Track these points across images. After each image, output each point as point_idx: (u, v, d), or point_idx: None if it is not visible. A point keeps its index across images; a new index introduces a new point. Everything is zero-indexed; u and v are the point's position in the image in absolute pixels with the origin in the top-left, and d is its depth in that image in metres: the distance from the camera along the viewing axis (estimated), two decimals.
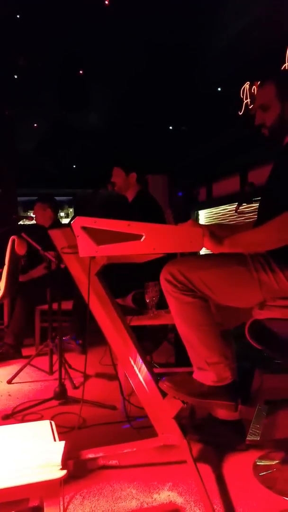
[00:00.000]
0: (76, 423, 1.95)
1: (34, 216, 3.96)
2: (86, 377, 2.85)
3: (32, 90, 5.90)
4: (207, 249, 1.45)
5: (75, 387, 2.65)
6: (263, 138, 1.67)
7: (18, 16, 4.88)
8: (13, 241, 3.28)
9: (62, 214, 8.08)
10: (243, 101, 5.15)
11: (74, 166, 7.96)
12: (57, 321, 2.64)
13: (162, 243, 1.36)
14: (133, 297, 2.50)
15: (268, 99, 1.61)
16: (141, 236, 1.35)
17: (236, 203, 1.97)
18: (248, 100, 5.07)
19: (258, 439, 1.70)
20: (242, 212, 2.10)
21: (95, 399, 2.37)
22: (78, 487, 1.58)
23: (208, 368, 1.52)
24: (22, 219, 4.68)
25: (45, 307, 3.20)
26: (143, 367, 1.56)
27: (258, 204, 1.74)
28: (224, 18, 4.63)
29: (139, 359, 1.57)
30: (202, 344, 1.51)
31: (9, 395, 2.63)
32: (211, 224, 1.64)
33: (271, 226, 1.43)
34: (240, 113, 5.20)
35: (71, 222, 1.37)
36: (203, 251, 1.86)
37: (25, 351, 3.48)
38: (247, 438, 1.72)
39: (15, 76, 5.79)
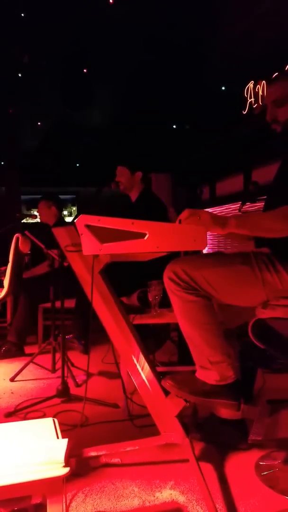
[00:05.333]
0: (78, 421, 1.96)
1: (38, 214, 3.96)
2: (89, 375, 2.85)
3: (36, 88, 5.90)
4: (213, 232, 1.43)
5: (78, 385, 2.65)
6: (270, 136, 1.66)
7: (22, 14, 4.88)
8: (17, 239, 3.29)
9: (65, 212, 8.09)
10: (247, 100, 5.14)
11: (78, 165, 7.97)
12: (60, 319, 2.64)
13: (166, 242, 1.36)
14: (138, 296, 2.51)
15: (282, 95, 1.59)
16: (145, 234, 1.35)
17: (240, 202, 1.97)
18: (253, 99, 5.06)
19: (261, 438, 1.70)
20: (246, 212, 2.09)
21: (98, 397, 2.37)
22: (81, 485, 1.58)
23: (211, 367, 1.52)
24: (26, 217, 4.69)
25: (48, 305, 3.21)
26: (146, 366, 1.56)
27: (261, 204, 1.73)
28: (229, 16, 4.62)
29: (142, 358, 1.57)
30: (205, 343, 1.51)
31: (12, 392, 2.64)
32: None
33: (279, 214, 1.42)
34: (244, 112, 5.19)
35: (75, 220, 1.37)
36: (205, 250, 1.85)
37: (27, 349, 3.49)
38: (250, 438, 1.71)
39: (19, 74, 5.79)
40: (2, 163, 7.27)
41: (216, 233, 1.47)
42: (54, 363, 3.02)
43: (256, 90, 5.04)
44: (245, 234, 1.51)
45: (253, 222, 1.47)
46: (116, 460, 1.73)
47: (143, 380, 1.56)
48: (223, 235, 1.68)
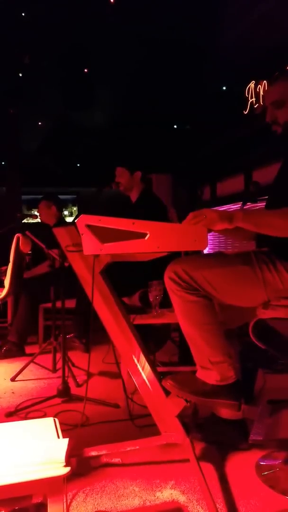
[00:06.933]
0: (79, 421, 1.96)
1: (38, 214, 3.97)
2: (89, 375, 2.86)
3: (36, 88, 5.90)
4: (221, 228, 1.41)
5: (78, 385, 2.65)
6: (271, 136, 1.66)
7: (23, 14, 4.88)
8: (18, 239, 3.29)
9: (66, 212, 8.09)
10: (248, 100, 5.13)
11: (78, 165, 7.96)
12: (60, 319, 2.64)
13: (167, 242, 1.36)
14: (140, 296, 2.51)
15: (282, 96, 1.59)
16: (146, 234, 1.35)
17: (241, 203, 1.97)
18: (253, 99, 5.06)
19: (261, 438, 1.70)
20: None
21: (98, 397, 2.38)
22: (81, 484, 1.58)
23: (212, 367, 1.52)
24: (26, 217, 4.69)
25: (49, 305, 3.21)
26: (147, 366, 1.57)
27: (262, 204, 1.73)
28: (230, 16, 4.61)
29: (142, 358, 1.57)
30: (206, 343, 1.51)
31: (13, 392, 2.64)
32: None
33: (286, 212, 1.41)
34: (245, 112, 5.19)
35: (76, 220, 1.37)
36: (206, 250, 1.85)
37: (28, 349, 3.49)
38: (250, 438, 1.72)
39: (20, 75, 5.80)
40: (3, 163, 7.27)
41: (222, 230, 1.45)
42: (54, 363, 3.02)
43: (257, 90, 5.04)
44: (250, 230, 1.49)
45: (260, 217, 1.46)
46: (116, 460, 1.73)
47: (144, 380, 1.56)
48: (225, 234, 1.69)
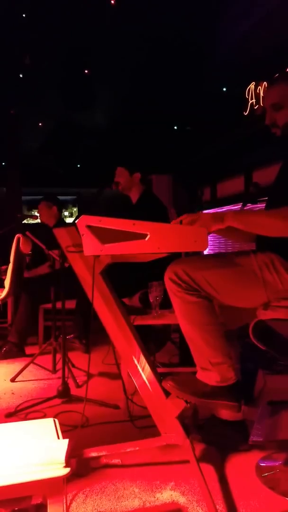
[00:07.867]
0: (79, 421, 1.95)
1: (38, 214, 3.98)
2: (89, 376, 2.85)
3: (37, 89, 5.91)
4: (215, 229, 1.43)
5: (78, 386, 2.65)
6: (271, 137, 1.66)
7: (23, 15, 4.89)
8: (18, 239, 3.29)
9: (66, 213, 8.09)
10: (248, 102, 5.14)
11: (79, 166, 7.97)
12: (60, 320, 2.64)
13: (167, 243, 1.36)
14: (140, 297, 2.52)
15: (281, 98, 1.60)
16: (146, 235, 1.35)
17: (241, 204, 1.97)
18: (254, 100, 5.07)
19: (261, 439, 1.70)
20: None
21: (98, 398, 2.37)
22: (81, 485, 1.58)
23: (212, 368, 1.52)
24: (27, 217, 4.69)
25: (49, 305, 3.21)
26: (147, 367, 1.56)
27: (262, 205, 1.73)
28: (231, 17, 4.62)
29: (142, 358, 1.57)
30: (206, 344, 1.51)
31: (13, 393, 2.64)
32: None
33: (279, 213, 1.42)
34: (245, 114, 5.19)
35: (76, 221, 1.37)
36: (206, 251, 1.85)
37: (28, 350, 3.49)
38: (250, 439, 1.72)
39: (20, 75, 5.80)
40: (3, 163, 7.28)
41: (217, 231, 1.46)
42: (54, 363, 3.02)
43: (258, 91, 5.04)
44: (244, 231, 1.50)
45: (250, 217, 1.48)
46: (116, 461, 1.73)
47: (144, 381, 1.56)
48: (225, 236, 1.69)
